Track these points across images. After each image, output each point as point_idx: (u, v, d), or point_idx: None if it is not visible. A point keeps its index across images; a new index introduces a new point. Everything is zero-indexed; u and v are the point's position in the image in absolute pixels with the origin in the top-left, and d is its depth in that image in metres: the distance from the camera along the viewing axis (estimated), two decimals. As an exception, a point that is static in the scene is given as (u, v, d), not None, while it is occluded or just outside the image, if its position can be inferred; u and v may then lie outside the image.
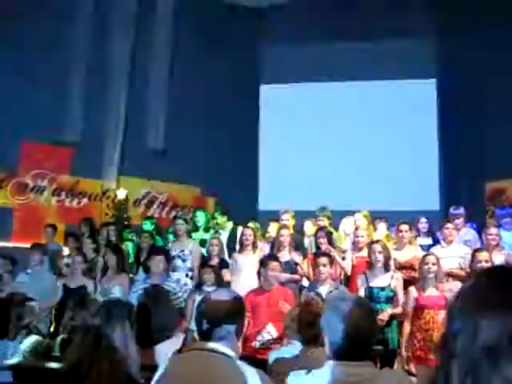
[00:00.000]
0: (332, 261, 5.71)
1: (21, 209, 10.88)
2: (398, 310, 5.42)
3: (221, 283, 5.99)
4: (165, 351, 3.01)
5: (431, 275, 5.24)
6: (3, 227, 10.44)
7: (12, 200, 10.85)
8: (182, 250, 6.90)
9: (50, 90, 10.50)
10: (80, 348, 2.51)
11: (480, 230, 7.30)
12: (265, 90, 12.76)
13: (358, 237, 6.50)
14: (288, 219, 7.43)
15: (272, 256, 5.94)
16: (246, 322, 2.35)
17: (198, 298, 5.59)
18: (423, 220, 7.63)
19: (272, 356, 3.72)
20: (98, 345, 2.48)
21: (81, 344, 2.52)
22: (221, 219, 7.93)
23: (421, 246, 6.77)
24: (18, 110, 10.24)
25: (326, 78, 12.04)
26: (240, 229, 7.48)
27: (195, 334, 2.67)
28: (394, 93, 11.84)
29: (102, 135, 11.55)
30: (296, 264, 6.48)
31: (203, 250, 7.21)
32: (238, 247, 7.08)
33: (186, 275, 6.76)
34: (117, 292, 5.99)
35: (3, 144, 10.03)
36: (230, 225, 7.96)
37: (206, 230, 7.92)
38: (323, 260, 5.53)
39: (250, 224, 7.59)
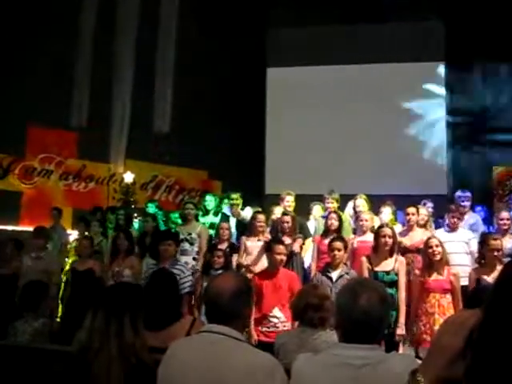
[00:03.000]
0: (346, 245, 5.70)
1: (28, 193, 10.93)
2: (402, 295, 5.29)
3: (229, 267, 6.00)
4: (173, 334, 3.02)
5: (437, 258, 5.20)
6: (12, 211, 10.50)
7: (20, 184, 10.90)
8: (190, 234, 6.94)
9: (56, 74, 10.49)
10: (89, 331, 2.53)
11: (489, 214, 7.28)
12: (272, 72, 12.66)
13: (362, 221, 6.47)
14: (292, 201, 7.45)
15: (277, 239, 5.92)
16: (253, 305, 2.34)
17: (206, 281, 5.62)
18: (429, 204, 7.62)
19: (279, 339, 3.73)
20: (107, 327, 2.49)
21: (90, 327, 2.53)
22: (237, 201, 7.88)
23: None
24: (24, 95, 10.24)
25: (334, 61, 11.94)
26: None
27: (203, 317, 2.68)
28: (402, 76, 11.74)
29: (109, 119, 11.55)
30: (293, 254, 6.47)
31: (212, 233, 7.25)
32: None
33: (194, 258, 6.80)
34: (128, 275, 6.02)
35: (10, 129, 10.06)
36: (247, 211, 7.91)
37: (216, 213, 7.94)
38: (338, 244, 5.51)
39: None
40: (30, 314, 4.26)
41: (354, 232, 6.87)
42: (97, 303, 2.61)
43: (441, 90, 11.82)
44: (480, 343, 1.05)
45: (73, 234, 8.36)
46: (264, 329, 5.17)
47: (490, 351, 1.02)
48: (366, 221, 6.40)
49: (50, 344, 3.83)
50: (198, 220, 7.42)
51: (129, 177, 11.01)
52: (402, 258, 5.55)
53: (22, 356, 3.41)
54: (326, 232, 6.53)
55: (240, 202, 7.89)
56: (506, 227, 6.21)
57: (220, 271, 5.71)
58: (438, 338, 1.20)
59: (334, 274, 5.36)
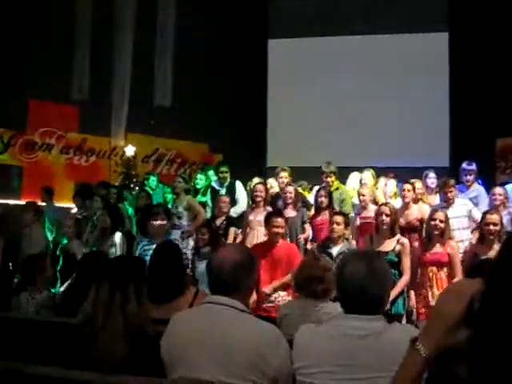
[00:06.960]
0: (346, 221, 5.64)
1: (30, 167, 10.92)
2: (405, 278, 5.13)
3: (219, 241, 5.85)
4: (177, 306, 3.05)
5: (437, 232, 5.10)
6: (13, 185, 10.50)
7: (21, 158, 10.88)
8: (177, 207, 6.83)
9: (57, 48, 10.40)
10: (95, 301, 2.55)
11: (487, 186, 7.19)
12: (273, 44, 12.51)
13: (359, 195, 6.48)
14: (286, 176, 7.42)
15: (276, 212, 5.80)
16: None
17: (198, 260, 5.63)
18: (432, 175, 7.30)
19: (282, 310, 3.76)
20: (112, 298, 2.51)
21: (96, 297, 2.55)
22: (224, 168, 7.77)
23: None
24: (25, 68, 10.16)
25: (336, 32, 11.81)
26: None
27: (206, 289, 2.70)
28: (405, 46, 11.61)
29: (110, 92, 11.47)
30: (304, 222, 6.49)
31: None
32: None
33: (182, 232, 6.69)
34: (116, 251, 5.96)
35: (11, 102, 9.98)
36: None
37: (204, 193, 7.85)
38: (338, 218, 5.47)
39: (256, 179, 7.62)
40: (32, 288, 4.29)
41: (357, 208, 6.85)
42: (101, 275, 2.63)
43: (444, 61, 11.68)
44: (482, 313, 1.06)
45: (73, 209, 8.35)
46: (264, 304, 5.06)
47: (491, 321, 1.03)
48: (363, 195, 6.39)
49: (56, 315, 3.86)
50: (187, 193, 7.28)
51: (130, 150, 10.99)
52: (405, 240, 5.31)
53: (26, 328, 3.44)
54: (318, 209, 6.49)
55: (228, 175, 7.73)
56: (498, 202, 6.04)
57: (207, 248, 5.68)
58: (439, 305, 1.20)
59: (335, 250, 5.31)
